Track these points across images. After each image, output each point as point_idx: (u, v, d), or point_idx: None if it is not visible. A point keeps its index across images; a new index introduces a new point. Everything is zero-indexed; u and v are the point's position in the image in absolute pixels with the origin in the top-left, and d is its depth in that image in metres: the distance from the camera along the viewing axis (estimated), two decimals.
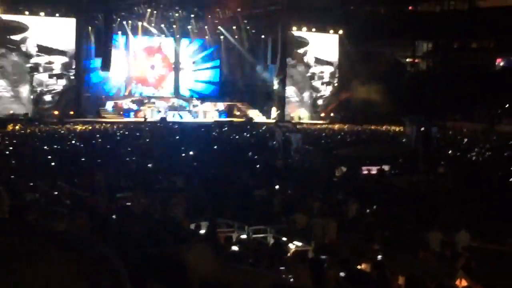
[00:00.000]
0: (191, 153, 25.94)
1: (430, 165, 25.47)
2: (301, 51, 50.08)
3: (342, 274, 8.19)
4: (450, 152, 29.77)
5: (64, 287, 1.16)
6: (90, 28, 43.38)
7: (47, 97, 42.29)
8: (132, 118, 42.29)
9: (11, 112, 39.68)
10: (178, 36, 48.91)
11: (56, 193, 14.44)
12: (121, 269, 1.23)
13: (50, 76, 42.31)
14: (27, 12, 40.68)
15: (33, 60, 41.85)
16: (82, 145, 27.52)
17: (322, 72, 50.88)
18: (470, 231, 12.87)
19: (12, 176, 16.38)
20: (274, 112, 48.46)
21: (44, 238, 1.27)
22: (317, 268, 8.18)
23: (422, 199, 17.86)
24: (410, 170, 24.19)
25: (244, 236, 12.72)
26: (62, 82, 42.65)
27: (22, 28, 40.82)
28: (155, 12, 45.87)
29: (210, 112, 46.73)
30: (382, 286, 8.23)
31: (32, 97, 41.58)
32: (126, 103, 45.23)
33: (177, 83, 49.67)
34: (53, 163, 21.19)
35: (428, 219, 14.62)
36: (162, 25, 47.63)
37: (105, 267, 1.20)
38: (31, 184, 15.10)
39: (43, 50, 41.95)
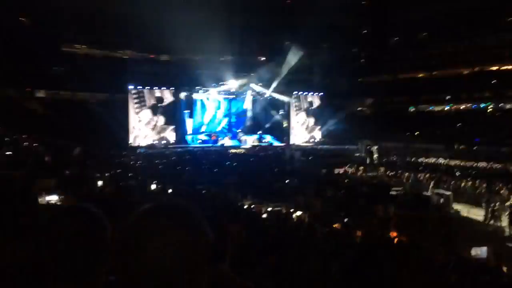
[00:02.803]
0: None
1: (373, 167, 25.26)
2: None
3: (325, 231, 8.02)
4: (384, 160, 29.36)
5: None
6: (182, 94, 43.75)
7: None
8: (205, 145, 42.07)
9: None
10: (230, 97, 48.91)
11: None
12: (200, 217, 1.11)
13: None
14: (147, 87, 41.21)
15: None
16: (177, 159, 27.62)
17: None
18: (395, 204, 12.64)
19: (139, 178, 16.52)
20: (284, 140, 47.88)
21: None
22: (311, 228, 8.02)
23: (369, 186, 17.63)
24: (362, 170, 23.96)
25: (269, 209, 12.63)
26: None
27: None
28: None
29: (248, 140, 46.06)
30: (348, 237, 8.02)
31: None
32: (202, 136, 45.17)
33: (230, 124, 49.51)
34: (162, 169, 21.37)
35: (374, 197, 14.40)
36: (221, 92, 47.89)
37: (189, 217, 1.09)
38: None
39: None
